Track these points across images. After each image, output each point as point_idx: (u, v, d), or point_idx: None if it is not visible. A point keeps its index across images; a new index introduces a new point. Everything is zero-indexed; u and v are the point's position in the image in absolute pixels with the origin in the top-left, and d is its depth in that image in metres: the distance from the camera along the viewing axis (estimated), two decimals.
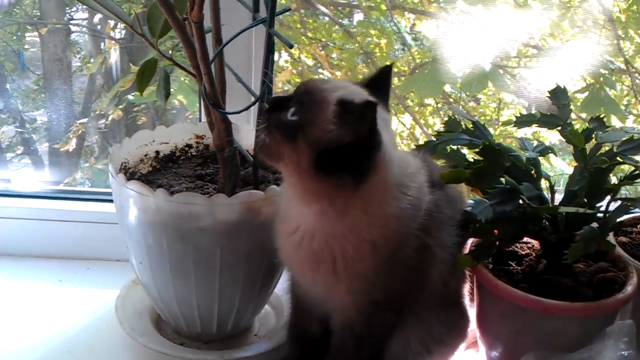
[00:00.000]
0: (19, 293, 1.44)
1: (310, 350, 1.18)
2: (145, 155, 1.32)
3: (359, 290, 1.04)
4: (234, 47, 1.16)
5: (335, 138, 0.93)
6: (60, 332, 1.32)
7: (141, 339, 1.23)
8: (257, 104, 1.13)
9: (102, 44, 2.48)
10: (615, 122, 2.16)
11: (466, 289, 1.20)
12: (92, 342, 1.29)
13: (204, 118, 1.23)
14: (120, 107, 2.36)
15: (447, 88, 2.39)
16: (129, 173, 1.27)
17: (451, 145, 1.17)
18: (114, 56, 2.42)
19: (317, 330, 1.16)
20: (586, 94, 2.14)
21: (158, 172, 1.30)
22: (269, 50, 1.04)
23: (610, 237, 1.23)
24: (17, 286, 1.46)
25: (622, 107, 2.23)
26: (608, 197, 1.11)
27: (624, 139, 1.14)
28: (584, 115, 2.14)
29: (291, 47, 1.00)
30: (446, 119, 1.20)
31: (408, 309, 1.09)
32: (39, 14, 2.48)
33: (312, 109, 0.95)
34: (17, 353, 1.26)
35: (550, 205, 1.11)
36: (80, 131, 2.38)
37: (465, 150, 1.19)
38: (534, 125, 1.21)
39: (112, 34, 2.43)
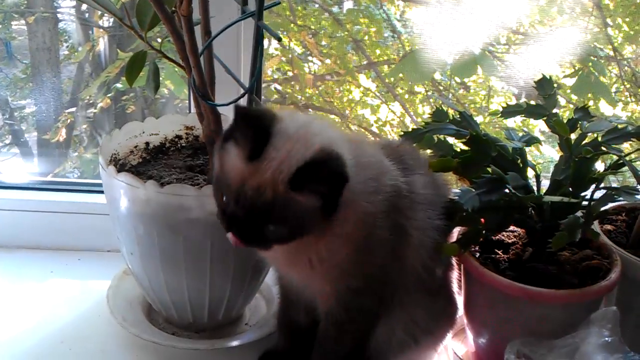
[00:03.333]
0: (10, 284, 1.45)
1: (299, 339, 1.20)
2: (135, 146, 1.32)
3: (335, 279, 1.05)
4: (223, 39, 1.17)
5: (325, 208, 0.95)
6: (52, 322, 1.33)
7: (133, 329, 1.24)
8: (246, 96, 1.13)
9: (91, 32, 2.47)
10: (604, 106, 2.18)
11: (454, 277, 1.21)
12: (84, 332, 1.30)
13: (193, 109, 1.23)
14: (109, 95, 2.35)
15: (437, 76, 2.39)
16: (119, 165, 1.27)
17: (438, 135, 1.18)
18: (102, 44, 2.40)
19: (304, 320, 1.18)
20: (575, 79, 2.15)
21: (148, 164, 1.30)
22: (258, 43, 1.05)
23: (595, 225, 1.25)
24: (8, 277, 1.47)
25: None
26: (593, 186, 1.13)
27: (608, 128, 1.16)
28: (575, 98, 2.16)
29: (279, 40, 1.00)
30: (434, 109, 1.21)
31: (390, 296, 1.10)
32: (26, 2, 2.46)
33: (291, 219, 0.94)
34: (10, 343, 1.27)
35: (536, 195, 1.13)
36: (68, 120, 2.37)
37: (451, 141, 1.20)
38: (520, 115, 1.22)
39: (100, 22, 2.41)
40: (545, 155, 2.12)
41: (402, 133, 1.18)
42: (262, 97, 1.24)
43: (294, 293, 1.15)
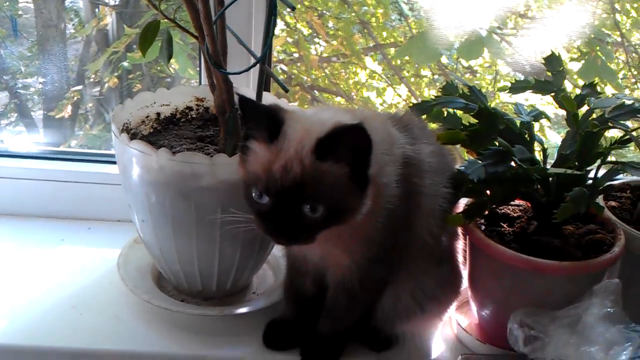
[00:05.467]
0: (21, 251, 1.46)
1: (305, 308, 1.22)
2: (147, 116, 1.33)
3: (355, 251, 1.08)
4: (235, 10, 1.18)
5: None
6: (64, 289, 1.35)
7: (144, 296, 1.26)
8: (257, 65, 1.14)
9: (97, 9, 2.47)
10: (610, 91, 2.17)
11: (459, 247, 1.23)
12: (95, 298, 1.32)
13: (204, 81, 1.24)
14: (116, 74, 2.35)
15: (444, 60, 2.39)
16: (131, 134, 1.28)
17: (448, 109, 1.19)
18: (109, 21, 2.40)
19: (311, 289, 1.20)
20: (582, 62, 2.15)
21: (159, 134, 1.31)
22: (271, 12, 1.06)
23: (600, 201, 1.26)
24: (19, 244, 1.49)
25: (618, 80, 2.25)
26: (598, 161, 1.14)
27: (615, 104, 1.17)
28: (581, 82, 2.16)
29: (293, 9, 1.01)
30: (444, 83, 1.22)
31: (398, 263, 1.12)
32: None
33: (324, 193, 0.96)
34: (23, 308, 1.29)
35: (541, 167, 1.14)
36: (75, 98, 2.38)
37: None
38: (528, 91, 1.23)
39: (106, 0, 2.41)
40: (550, 141, 2.13)
41: (411, 104, 1.19)
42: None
43: (305, 264, 1.17)
